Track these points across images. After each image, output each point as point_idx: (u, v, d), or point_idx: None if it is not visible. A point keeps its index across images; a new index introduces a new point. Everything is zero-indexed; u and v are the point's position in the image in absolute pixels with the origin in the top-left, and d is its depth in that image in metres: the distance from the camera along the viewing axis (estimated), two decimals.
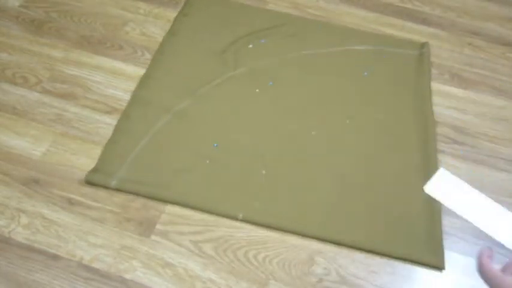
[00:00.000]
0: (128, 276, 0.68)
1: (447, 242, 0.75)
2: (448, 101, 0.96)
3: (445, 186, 0.64)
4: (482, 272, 0.54)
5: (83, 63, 0.95)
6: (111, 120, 0.86)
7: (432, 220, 0.76)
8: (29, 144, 0.82)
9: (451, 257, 0.74)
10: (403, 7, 1.16)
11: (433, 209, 0.78)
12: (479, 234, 0.77)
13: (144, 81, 0.92)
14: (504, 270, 0.55)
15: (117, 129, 0.85)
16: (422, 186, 0.80)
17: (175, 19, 1.05)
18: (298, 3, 1.13)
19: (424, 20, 1.13)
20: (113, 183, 0.77)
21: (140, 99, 0.89)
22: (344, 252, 0.73)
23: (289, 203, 0.77)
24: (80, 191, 0.77)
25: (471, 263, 0.74)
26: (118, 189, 0.77)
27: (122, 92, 0.91)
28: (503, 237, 0.60)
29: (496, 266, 0.54)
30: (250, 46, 1.01)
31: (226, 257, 0.71)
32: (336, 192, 0.79)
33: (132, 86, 0.92)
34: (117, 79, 0.93)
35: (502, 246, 0.75)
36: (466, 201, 0.62)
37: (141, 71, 0.95)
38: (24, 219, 0.73)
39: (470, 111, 0.95)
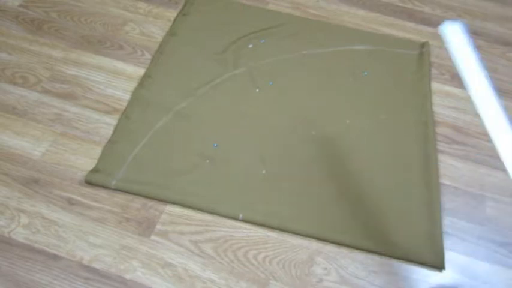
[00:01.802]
0: (127, 276, 0.68)
1: (447, 242, 0.75)
2: (448, 101, 0.96)
3: (457, 39, 0.68)
4: None
5: (83, 63, 0.95)
6: (111, 120, 0.86)
7: (432, 220, 0.76)
8: (29, 144, 0.82)
9: (451, 257, 0.74)
10: (403, 7, 1.16)
11: (434, 209, 0.78)
12: (480, 235, 0.77)
13: (144, 81, 0.92)
14: None
15: (117, 129, 0.85)
16: (423, 187, 0.81)
17: (175, 19, 1.05)
18: (299, 3, 1.13)
19: (424, 20, 1.13)
20: (113, 183, 0.76)
21: (140, 99, 0.89)
22: (344, 252, 0.73)
23: (289, 203, 0.77)
24: (80, 191, 0.77)
25: (471, 263, 0.74)
26: (118, 189, 0.77)
27: (121, 92, 0.91)
28: (480, 105, 0.65)
29: None
30: (250, 46, 1.01)
31: (226, 257, 0.71)
32: (336, 192, 0.79)
33: (132, 86, 0.92)
34: (117, 79, 0.93)
35: (500, 244, 0.76)
36: (467, 65, 0.66)
37: (141, 71, 0.95)
38: (24, 219, 0.73)
39: (470, 111, 0.94)
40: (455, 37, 0.69)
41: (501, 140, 0.63)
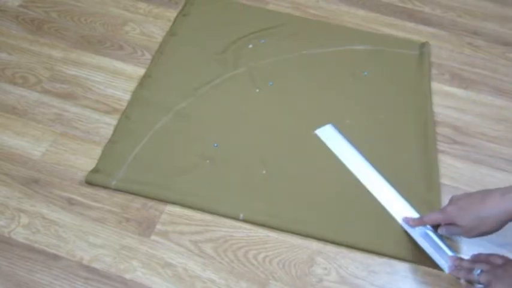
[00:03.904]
0: (127, 276, 0.68)
1: (447, 242, 0.75)
2: (448, 101, 0.96)
3: (332, 136, 0.85)
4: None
5: (83, 63, 0.95)
6: (111, 120, 0.86)
7: None
8: (29, 144, 0.82)
9: None
10: (403, 7, 1.16)
11: (434, 209, 0.78)
12: None
13: (144, 81, 0.92)
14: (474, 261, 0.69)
15: (117, 129, 0.85)
16: (423, 187, 0.81)
17: (175, 19, 1.05)
18: (299, 3, 1.13)
19: (424, 20, 1.13)
20: (113, 183, 0.76)
21: (140, 99, 0.89)
22: (344, 252, 0.73)
23: (289, 203, 0.77)
24: (80, 191, 0.77)
25: None
26: (118, 189, 0.77)
27: (121, 92, 0.91)
28: (365, 181, 0.81)
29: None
30: (250, 46, 1.01)
31: (226, 257, 0.71)
32: (336, 192, 0.79)
33: (132, 86, 0.92)
34: (117, 79, 0.93)
35: (500, 245, 0.75)
36: (347, 153, 0.84)
37: (141, 71, 0.95)
38: (24, 219, 0.73)
39: (470, 111, 0.94)
40: (330, 136, 0.85)
41: (394, 208, 0.77)
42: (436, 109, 0.94)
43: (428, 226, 0.73)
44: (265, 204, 0.77)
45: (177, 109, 0.88)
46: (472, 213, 0.65)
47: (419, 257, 0.72)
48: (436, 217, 0.70)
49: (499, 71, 1.03)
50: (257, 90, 0.93)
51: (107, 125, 0.86)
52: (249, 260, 0.71)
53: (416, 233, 0.73)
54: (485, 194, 0.65)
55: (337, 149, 0.84)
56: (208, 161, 0.81)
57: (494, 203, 0.63)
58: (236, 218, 0.75)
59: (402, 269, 0.72)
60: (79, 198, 0.76)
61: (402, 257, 0.73)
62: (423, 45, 1.04)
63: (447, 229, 0.70)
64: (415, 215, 0.76)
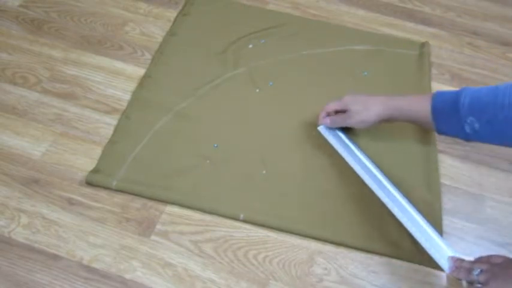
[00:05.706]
0: (127, 276, 0.68)
1: (447, 242, 0.75)
2: None
3: (334, 134, 0.85)
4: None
5: (83, 63, 0.95)
6: (111, 120, 0.86)
7: (433, 220, 0.76)
8: (29, 144, 0.82)
9: None
10: (403, 7, 1.16)
11: (434, 209, 0.78)
12: (480, 235, 0.77)
13: (144, 81, 0.92)
14: (474, 262, 0.67)
15: (117, 129, 0.85)
16: (423, 187, 0.81)
17: (175, 19, 1.05)
18: (299, 3, 1.13)
19: (424, 20, 1.13)
20: (114, 183, 0.76)
21: (140, 99, 0.89)
22: (344, 252, 0.73)
23: (290, 203, 0.77)
24: (80, 191, 0.77)
25: None
26: (118, 190, 0.77)
27: (121, 92, 0.91)
28: (366, 180, 0.78)
29: None
30: (250, 46, 1.01)
31: (226, 257, 0.71)
32: (337, 193, 0.79)
33: (132, 86, 0.92)
34: (117, 79, 0.93)
35: (500, 245, 0.75)
36: (348, 150, 0.83)
37: (141, 71, 0.95)
38: (24, 219, 0.73)
39: None
40: (331, 133, 0.85)
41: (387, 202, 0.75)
42: None
43: (337, 128, 0.84)
44: (265, 204, 0.77)
45: (177, 109, 0.88)
46: (362, 102, 0.78)
47: (419, 257, 0.72)
48: (334, 104, 0.82)
49: (499, 71, 1.03)
50: (257, 90, 0.93)
51: (107, 125, 0.86)
52: (249, 260, 0.71)
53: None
54: (375, 95, 0.80)
55: (338, 146, 0.83)
56: (208, 161, 0.81)
57: (380, 100, 0.78)
58: (236, 218, 0.75)
59: (402, 269, 0.72)
60: (79, 198, 0.76)
61: (402, 257, 0.73)
62: (423, 45, 1.04)
63: (336, 118, 0.82)
64: (415, 213, 0.75)
